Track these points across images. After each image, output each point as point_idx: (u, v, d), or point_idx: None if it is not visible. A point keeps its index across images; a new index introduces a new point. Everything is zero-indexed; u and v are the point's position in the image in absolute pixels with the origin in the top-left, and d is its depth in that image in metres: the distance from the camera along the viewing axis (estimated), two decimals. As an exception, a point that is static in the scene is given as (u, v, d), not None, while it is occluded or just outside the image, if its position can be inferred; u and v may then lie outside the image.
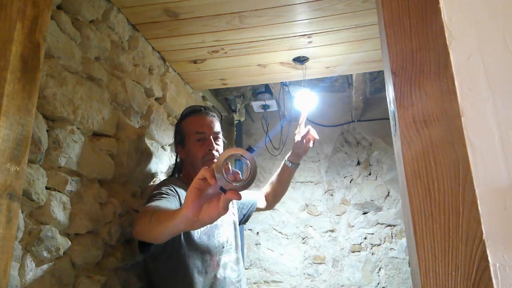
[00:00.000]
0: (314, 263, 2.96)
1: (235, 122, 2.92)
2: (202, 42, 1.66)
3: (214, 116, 1.50)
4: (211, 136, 1.43)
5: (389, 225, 2.90)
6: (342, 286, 2.87)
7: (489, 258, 0.51)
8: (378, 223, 2.92)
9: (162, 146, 1.74)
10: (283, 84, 2.67)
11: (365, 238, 2.92)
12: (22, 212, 0.91)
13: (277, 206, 3.13)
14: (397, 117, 0.60)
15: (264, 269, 3.01)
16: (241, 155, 0.77)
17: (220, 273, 1.31)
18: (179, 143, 1.49)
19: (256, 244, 3.10)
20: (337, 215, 3.01)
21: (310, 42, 1.69)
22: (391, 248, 2.86)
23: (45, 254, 0.98)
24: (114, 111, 1.35)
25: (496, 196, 0.53)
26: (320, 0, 1.39)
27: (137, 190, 1.49)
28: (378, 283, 2.82)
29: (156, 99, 1.73)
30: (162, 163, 1.69)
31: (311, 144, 1.65)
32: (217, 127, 1.48)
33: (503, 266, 0.50)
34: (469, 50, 0.59)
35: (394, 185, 2.93)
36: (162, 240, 1.02)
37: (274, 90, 2.68)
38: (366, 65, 1.98)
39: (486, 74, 0.57)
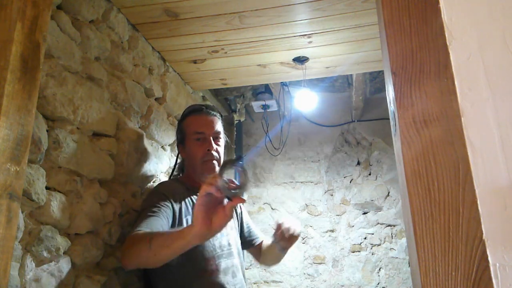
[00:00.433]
0: (314, 263, 2.96)
1: (235, 122, 2.92)
2: (202, 42, 1.66)
3: (215, 116, 1.47)
4: (211, 136, 1.40)
5: (389, 225, 2.90)
6: (342, 286, 2.87)
7: (489, 258, 0.51)
8: (378, 223, 2.92)
9: (162, 146, 1.74)
10: (283, 84, 2.67)
11: (365, 238, 2.92)
12: (22, 212, 0.91)
13: (277, 206, 3.14)
14: (397, 117, 0.60)
15: (264, 269, 3.01)
16: (234, 165, 0.95)
17: (220, 278, 1.26)
18: (180, 143, 1.47)
19: (256, 244, 3.10)
20: (337, 215, 3.01)
21: (310, 42, 1.69)
22: (391, 248, 2.86)
23: (45, 254, 0.98)
24: (114, 111, 1.35)
25: (496, 196, 0.53)
26: (320, 0, 1.39)
27: (137, 190, 1.49)
28: (378, 283, 2.82)
29: (156, 99, 1.73)
30: (162, 163, 1.69)
31: (294, 232, 1.37)
32: (218, 126, 1.45)
33: (503, 266, 0.50)
34: (469, 50, 0.59)
35: (394, 185, 2.93)
36: (165, 262, 1.04)
37: (274, 90, 2.68)
38: (366, 65, 1.98)
39: (486, 74, 0.57)
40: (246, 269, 3.04)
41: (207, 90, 2.36)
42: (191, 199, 1.37)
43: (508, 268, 0.50)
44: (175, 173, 1.55)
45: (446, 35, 0.60)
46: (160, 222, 1.18)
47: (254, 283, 3.01)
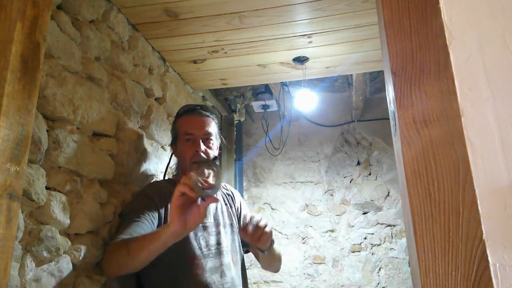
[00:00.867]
0: (314, 263, 2.96)
1: (235, 122, 2.92)
2: (202, 42, 1.66)
3: (208, 116, 1.43)
4: (200, 138, 1.37)
5: (389, 225, 2.90)
6: (342, 286, 2.87)
7: (489, 258, 0.51)
8: (378, 223, 2.92)
9: (162, 146, 1.74)
10: (283, 84, 2.67)
11: (365, 238, 2.92)
12: (22, 212, 0.91)
13: (277, 206, 3.14)
14: (397, 117, 0.60)
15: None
16: (209, 165, 1.06)
17: (206, 277, 1.24)
18: (173, 143, 1.46)
19: (256, 244, 3.10)
20: (337, 215, 3.01)
21: (310, 42, 1.69)
22: (391, 248, 2.86)
23: (45, 254, 0.98)
24: (114, 111, 1.35)
25: (496, 196, 0.53)
26: (320, 0, 1.39)
27: (137, 190, 1.49)
28: (378, 283, 2.82)
29: (156, 99, 1.73)
30: (162, 163, 1.69)
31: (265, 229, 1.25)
32: (210, 127, 1.41)
33: (503, 266, 0.50)
34: (469, 50, 0.59)
35: (394, 185, 2.93)
36: (146, 264, 1.06)
37: (274, 90, 2.68)
38: (366, 65, 1.98)
39: (486, 74, 0.57)
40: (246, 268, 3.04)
41: (207, 90, 2.36)
42: None
43: (508, 268, 0.50)
44: (174, 172, 1.54)
45: (446, 35, 0.60)
46: (143, 227, 1.18)
47: (254, 283, 3.01)
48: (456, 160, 0.55)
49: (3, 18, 0.78)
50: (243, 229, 1.24)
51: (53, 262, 1.01)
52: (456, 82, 0.58)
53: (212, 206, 1.40)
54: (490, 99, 0.56)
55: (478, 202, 0.53)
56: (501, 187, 0.53)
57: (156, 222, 1.24)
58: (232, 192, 1.58)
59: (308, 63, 1.90)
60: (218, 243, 1.34)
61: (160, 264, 1.18)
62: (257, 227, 1.22)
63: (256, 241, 1.24)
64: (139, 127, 1.54)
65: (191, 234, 1.29)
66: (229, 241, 1.40)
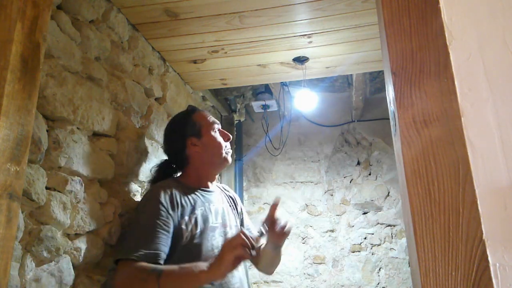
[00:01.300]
0: (314, 263, 2.96)
1: (235, 122, 2.92)
2: (202, 42, 1.66)
3: None
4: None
5: (389, 225, 2.90)
6: (342, 286, 2.87)
7: (489, 258, 0.51)
8: (378, 223, 2.92)
9: (162, 146, 1.74)
10: (283, 84, 2.67)
11: (365, 238, 2.92)
12: (22, 212, 0.91)
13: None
14: (397, 117, 0.60)
15: (264, 269, 3.00)
16: (263, 233, 1.19)
17: None
18: (193, 135, 1.41)
19: (256, 244, 3.09)
20: (337, 215, 3.01)
21: (310, 42, 1.69)
22: (391, 248, 2.86)
23: (45, 254, 0.98)
24: (114, 111, 1.35)
25: (496, 196, 0.53)
26: (320, 0, 1.39)
27: (137, 190, 1.49)
28: (378, 283, 2.82)
29: (156, 99, 1.73)
30: (162, 163, 1.69)
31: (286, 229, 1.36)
32: None
33: (503, 266, 0.50)
34: (469, 50, 0.58)
35: (394, 185, 2.93)
36: None
37: (274, 90, 2.68)
38: (366, 65, 1.98)
39: (486, 74, 0.57)
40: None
41: (207, 90, 2.36)
42: (188, 197, 1.33)
43: (508, 268, 0.50)
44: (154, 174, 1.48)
45: (446, 35, 0.60)
46: (163, 240, 1.17)
47: (254, 283, 3.01)
48: (456, 160, 0.55)
49: (3, 18, 0.78)
50: (271, 227, 1.30)
51: (53, 262, 1.01)
52: (456, 82, 0.58)
53: (219, 207, 1.41)
54: (490, 99, 0.56)
55: (478, 202, 0.53)
56: (501, 187, 0.53)
57: (171, 231, 1.21)
58: (233, 195, 1.60)
59: (308, 63, 1.90)
60: None
61: (172, 262, 1.19)
62: (283, 227, 1.33)
63: (278, 237, 1.35)
64: (139, 127, 1.54)
65: (208, 235, 1.29)
66: None
